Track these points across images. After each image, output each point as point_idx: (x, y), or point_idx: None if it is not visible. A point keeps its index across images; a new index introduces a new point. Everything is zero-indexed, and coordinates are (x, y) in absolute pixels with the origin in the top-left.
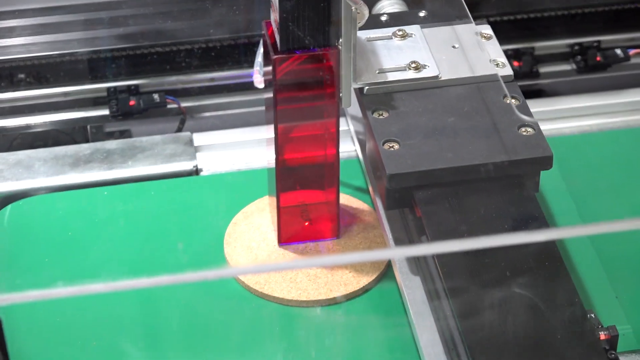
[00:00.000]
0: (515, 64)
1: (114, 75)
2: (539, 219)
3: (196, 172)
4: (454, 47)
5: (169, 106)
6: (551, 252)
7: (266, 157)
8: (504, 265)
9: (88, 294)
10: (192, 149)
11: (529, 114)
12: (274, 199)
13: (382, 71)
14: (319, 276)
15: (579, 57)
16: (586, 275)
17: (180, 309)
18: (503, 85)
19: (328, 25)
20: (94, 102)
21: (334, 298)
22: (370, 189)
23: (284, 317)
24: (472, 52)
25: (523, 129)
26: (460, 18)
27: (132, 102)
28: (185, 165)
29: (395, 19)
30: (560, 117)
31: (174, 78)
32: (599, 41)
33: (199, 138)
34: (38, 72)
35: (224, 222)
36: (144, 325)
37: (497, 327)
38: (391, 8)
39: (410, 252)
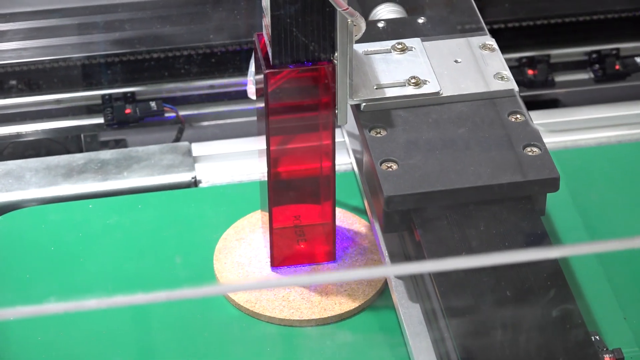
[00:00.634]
0: (530, 72)
1: (109, 82)
2: (544, 243)
3: (195, 183)
4: (456, 61)
5: (166, 115)
6: (554, 272)
7: (259, 170)
8: (503, 285)
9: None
10: (190, 160)
11: (535, 131)
12: (267, 214)
13: (380, 87)
14: (313, 295)
15: (596, 66)
16: (594, 296)
17: (168, 327)
18: (519, 99)
19: (323, 38)
20: (88, 110)
21: (329, 317)
22: (367, 208)
23: (275, 337)
24: (475, 66)
25: (529, 149)
26: (474, 25)
27: (128, 110)
28: (184, 177)
29: (393, 27)
30: (577, 129)
31: (172, 85)
32: (617, 49)
33: (198, 148)
34: (30, 78)
35: None
36: (129, 344)
37: (496, 350)
38: (388, 14)
39: (405, 270)
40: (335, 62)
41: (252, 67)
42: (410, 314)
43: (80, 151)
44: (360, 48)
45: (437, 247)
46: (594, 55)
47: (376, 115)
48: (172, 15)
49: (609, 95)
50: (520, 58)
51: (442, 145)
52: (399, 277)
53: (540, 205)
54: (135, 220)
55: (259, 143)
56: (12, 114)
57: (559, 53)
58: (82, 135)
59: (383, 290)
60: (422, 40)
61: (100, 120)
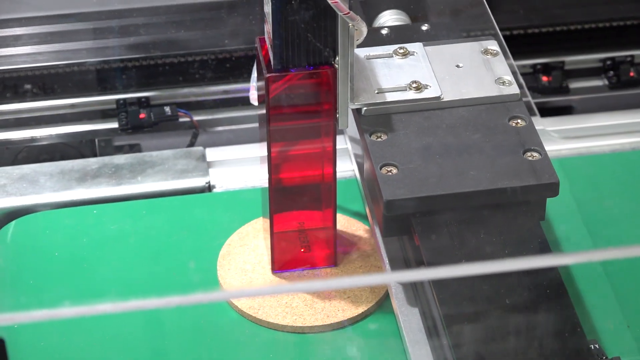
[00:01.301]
0: (545, 78)
1: (123, 87)
2: (543, 250)
3: (209, 188)
4: (457, 66)
5: (180, 119)
6: (553, 280)
7: (262, 176)
8: (502, 293)
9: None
10: (204, 165)
11: (536, 136)
12: (268, 221)
13: (382, 91)
14: (316, 301)
15: (611, 73)
16: (598, 304)
17: (170, 333)
18: (522, 104)
19: (324, 42)
20: (103, 114)
21: (331, 324)
22: (369, 213)
23: (278, 344)
24: (477, 71)
25: (529, 154)
26: (488, 31)
27: (142, 115)
28: (198, 182)
29: (397, 34)
30: (591, 135)
31: (186, 90)
32: (632, 56)
33: (212, 153)
34: (44, 82)
35: None
36: (132, 349)
37: (493, 357)
38: (393, 21)
39: (406, 277)
40: (337, 66)
41: (254, 74)
42: (410, 321)
43: (95, 156)
44: (361, 52)
45: (436, 251)
46: (609, 62)
47: (377, 120)
48: (186, 20)
49: (623, 102)
50: (535, 65)
51: (443, 149)
52: (400, 289)
53: (540, 210)
54: (149, 225)
55: (262, 149)
56: (26, 118)
57: (573, 60)
58: (96, 140)
59: (386, 297)
60: (424, 45)
61: (115, 125)
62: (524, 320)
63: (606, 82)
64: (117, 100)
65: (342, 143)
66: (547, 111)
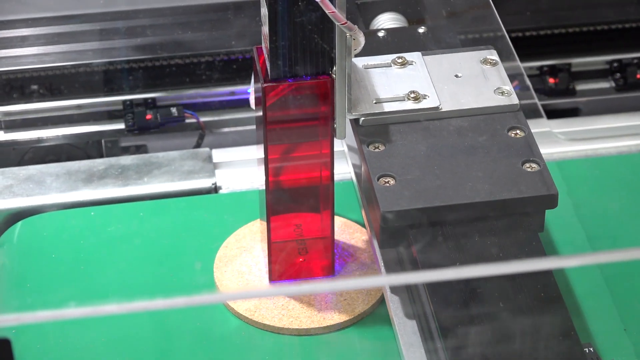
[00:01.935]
0: (551, 80)
1: (130, 88)
2: (546, 274)
3: (215, 189)
4: (456, 76)
5: (187, 121)
6: (548, 283)
7: (261, 178)
8: (497, 296)
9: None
10: (211, 166)
11: (535, 147)
12: (265, 224)
13: (380, 101)
14: (312, 303)
15: (617, 75)
16: (595, 307)
17: (166, 335)
18: (520, 115)
19: (321, 52)
20: (109, 115)
21: (328, 327)
22: (366, 223)
23: (274, 346)
24: (476, 81)
25: (528, 165)
26: (494, 34)
27: (148, 116)
28: (204, 183)
29: (394, 37)
30: (597, 137)
31: (192, 91)
32: (639, 58)
33: (218, 154)
34: (51, 83)
35: None
36: (128, 351)
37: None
38: (390, 23)
39: (401, 280)
40: (334, 76)
41: (254, 78)
42: (404, 324)
43: (101, 156)
44: (360, 62)
45: (433, 263)
46: (615, 64)
47: (375, 130)
48: (193, 21)
49: (629, 104)
50: (542, 66)
51: (441, 160)
52: (395, 293)
53: (539, 222)
54: (155, 226)
55: (260, 152)
56: (33, 119)
57: (580, 62)
58: (102, 141)
59: (382, 300)
60: (423, 55)
61: (121, 126)
62: (518, 324)
63: (613, 84)
64: (124, 101)
65: (340, 146)
66: (553, 113)
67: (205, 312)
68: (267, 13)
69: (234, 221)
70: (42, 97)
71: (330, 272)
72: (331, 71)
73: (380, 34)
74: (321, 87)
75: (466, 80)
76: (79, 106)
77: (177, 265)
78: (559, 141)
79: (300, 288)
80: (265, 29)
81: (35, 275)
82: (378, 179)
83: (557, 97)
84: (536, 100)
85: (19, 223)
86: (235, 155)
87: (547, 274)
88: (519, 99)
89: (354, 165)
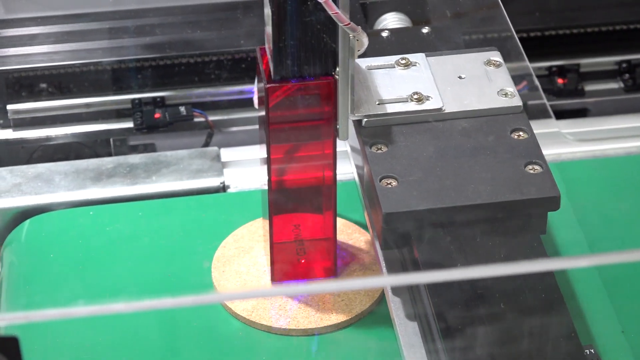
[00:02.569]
0: (560, 81)
1: (139, 87)
2: (548, 275)
3: (223, 189)
4: (460, 77)
5: (196, 120)
6: (548, 285)
7: (265, 178)
8: (498, 298)
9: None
10: (219, 165)
11: (538, 149)
12: (267, 223)
13: (382, 102)
14: (310, 304)
15: (626, 75)
16: (593, 309)
17: (163, 334)
18: (524, 116)
19: (324, 53)
20: (118, 114)
21: (326, 327)
22: (369, 224)
23: (272, 346)
24: (479, 82)
25: (530, 167)
26: (503, 34)
27: (157, 115)
28: (212, 182)
29: (397, 37)
30: (606, 138)
31: (201, 90)
32: None
33: (226, 153)
34: (60, 82)
35: None
36: (126, 350)
37: None
38: (394, 23)
39: (401, 281)
40: (337, 77)
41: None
42: (405, 324)
43: (110, 155)
44: (363, 63)
45: (435, 265)
46: (624, 65)
47: (377, 131)
48: (202, 20)
49: (638, 104)
50: (550, 67)
51: (443, 162)
52: (396, 293)
53: (541, 224)
54: (165, 224)
55: (263, 151)
56: (42, 117)
57: (589, 62)
58: (111, 140)
59: (380, 300)
60: (427, 56)
61: (130, 125)
62: (519, 325)
63: (621, 84)
64: (133, 100)
65: (343, 146)
66: (562, 113)
67: (203, 312)
68: (270, 14)
69: (242, 220)
70: (51, 96)
71: (332, 273)
72: (334, 72)
73: (384, 34)
74: (324, 87)
75: (469, 81)
76: (87, 105)
77: (185, 264)
78: (567, 142)
79: (299, 288)
80: (268, 29)
81: (43, 273)
82: (380, 180)
83: (565, 97)
84: (545, 101)
85: (27, 221)
86: (244, 155)
87: (548, 276)
88: (528, 99)
89: (357, 166)
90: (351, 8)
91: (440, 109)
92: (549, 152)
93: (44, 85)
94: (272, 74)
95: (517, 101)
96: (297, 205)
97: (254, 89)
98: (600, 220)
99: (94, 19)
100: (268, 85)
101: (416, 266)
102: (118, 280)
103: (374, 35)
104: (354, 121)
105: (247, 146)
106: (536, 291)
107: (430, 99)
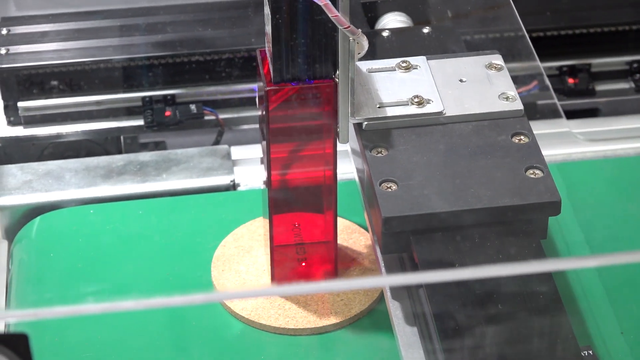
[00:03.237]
0: (571, 81)
1: (149, 84)
2: (546, 276)
3: (233, 187)
4: (461, 80)
5: (206, 118)
6: (547, 286)
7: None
8: (495, 299)
9: (118, 311)
10: (229, 163)
11: (539, 153)
12: (267, 223)
13: (383, 106)
14: (309, 304)
15: (637, 75)
16: (592, 310)
17: (163, 333)
18: (525, 120)
19: (324, 56)
20: (128, 111)
21: (324, 327)
22: (369, 227)
23: (271, 346)
24: (481, 85)
25: (531, 171)
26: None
27: (167, 113)
28: (222, 180)
29: (398, 37)
30: (617, 138)
31: (212, 88)
32: None
33: (237, 151)
34: (71, 79)
35: None
36: (125, 349)
37: None
38: (395, 23)
39: (401, 281)
40: (337, 80)
41: None
42: (403, 324)
43: (120, 153)
44: (364, 66)
45: (434, 269)
46: (635, 65)
47: (378, 135)
48: (213, 18)
49: None
50: (561, 67)
51: (443, 166)
52: (395, 294)
53: (541, 229)
54: (175, 222)
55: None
56: (52, 115)
57: (600, 62)
58: (121, 137)
59: (379, 300)
60: (428, 59)
61: (140, 122)
62: (516, 326)
63: (632, 84)
64: (143, 98)
65: (344, 146)
66: (573, 113)
67: (202, 311)
68: (269, 17)
69: (252, 218)
70: (61, 93)
71: (333, 276)
72: (334, 75)
73: (385, 33)
74: (324, 90)
75: (471, 84)
76: (98, 102)
77: (195, 262)
78: (578, 141)
79: (299, 288)
80: (268, 32)
81: (53, 270)
82: (380, 184)
83: (576, 97)
84: (555, 101)
85: (38, 218)
86: (254, 153)
87: (546, 277)
88: (539, 99)
89: (357, 169)
90: (351, 9)
91: (441, 113)
92: (560, 151)
93: (54, 83)
94: (272, 76)
95: (518, 105)
96: (297, 205)
97: (257, 87)
98: (611, 220)
99: (105, 16)
100: (268, 88)
101: (416, 270)
102: (127, 277)
103: (374, 35)
104: (354, 124)
105: (258, 144)
106: (534, 293)
107: (431, 102)
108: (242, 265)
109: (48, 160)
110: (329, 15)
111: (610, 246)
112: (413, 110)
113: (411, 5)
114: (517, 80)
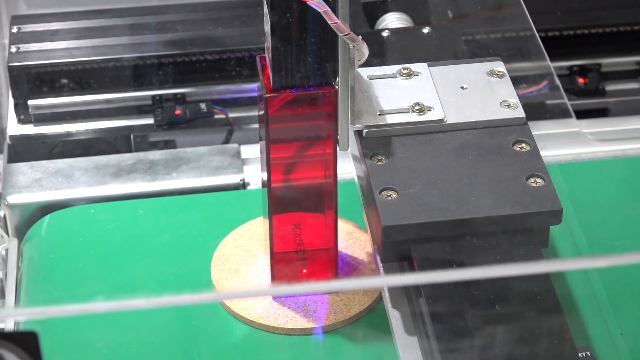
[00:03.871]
0: (581, 80)
1: (160, 83)
2: (543, 276)
3: (243, 185)
4: (462, 87)
5: (216, 116)
6: (544, 287)
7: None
8: (493, 299)
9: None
10: (239, 162)
11: (540, 161)
12: (267, 223)
13: (383, 113)
14: (308, 303)
15: None
16: (592, 311)
17: (161, 333)
18: (527, 128)
19: (324, 63)
20: (138, 110)
21: (323, 327)
22: (369, 235)
23: (269, 345)
24: (482, 93)
25: (532, 180)
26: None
27: (178, 112)
28: (232, 179)
29: (398, 37)
30: (626, 138)
31: (222, 87)
32: None
33: (246, 150)
34: (81, 77)
35: None
36: (125, 347)
37: None
38: (396, 23)
39: (399, 281)
40: (337, 87)
41: None
42: (401, 324)
43: (130, 151)
44: (364, 72)
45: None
46: None
47: (378, 142)
48: (224, 17)
49: None
50: (571, 66)
51: (444, 174)
52: (393, 295)
53: (543, 238)
54: (185, 220)
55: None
56: (62, 113)
57: (610, 62)
58: (131, 136)
59: (379, 300)
60: (429, 65)
61: (150, 121)
62: (513, 326)
63: None
64: (153, 96)
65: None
66: (583, 113)
67: (201, 310)
68: (269, 24)
69: (261, 217)
70: (71, 91)
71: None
72: (334, 82)
73: (385, 33)
74: (324, 98)
75: (472, 92)
76: (108, 101)
77: (205, 261)
78: (588, 141)
79: (299, 288)
80: (268, 38)
81: (63, 268)
82: (380, 192)
83: (586, 97)
84: (565, 100)
85: (47, 216)
86: None
87: (544, 278)
88: (549, 98)
89: (358, 177)
90: (351, 8)
91: (442, 120)
92: (570, 151)
93: (65, 81)
94: (272, 83)
95: (519, 112)
96: (297, 206)
97: (257, 87)
98: (620, 220)
99: (115, 15)
100: (267, 95)
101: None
102: (137, 276)
103: (374, 35)
104: (354, 132)
105: None
106: (531, 293)
107: (432, 109)
108: (242, 265)
109: (58, 158)
110: (329, 23)
111: (621, 246)
112: (414, 117)
113: (414, 5)
114: (527, 80)
